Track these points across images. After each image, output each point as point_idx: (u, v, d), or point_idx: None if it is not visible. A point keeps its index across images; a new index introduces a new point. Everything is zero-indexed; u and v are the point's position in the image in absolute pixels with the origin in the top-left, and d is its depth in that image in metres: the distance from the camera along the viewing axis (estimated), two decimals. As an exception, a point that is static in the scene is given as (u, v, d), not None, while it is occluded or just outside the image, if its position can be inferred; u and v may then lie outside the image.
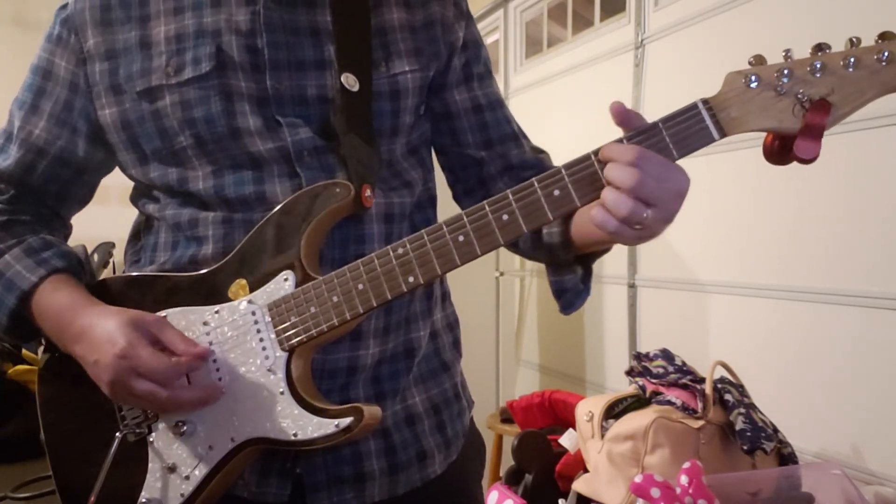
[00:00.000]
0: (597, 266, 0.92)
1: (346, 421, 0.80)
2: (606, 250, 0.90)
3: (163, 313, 0.86)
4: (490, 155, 0.98)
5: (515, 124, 1.02)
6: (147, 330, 0.82)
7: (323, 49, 0.89)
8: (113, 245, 1.97)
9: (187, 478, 0.84)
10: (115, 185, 1.00)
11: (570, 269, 0.90)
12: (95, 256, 3.28)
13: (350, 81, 0.88)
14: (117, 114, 0.90)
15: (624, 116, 0.73)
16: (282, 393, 0.82)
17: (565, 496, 1.84)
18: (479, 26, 3.69)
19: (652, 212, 0.70)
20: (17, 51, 0.95)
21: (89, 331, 0.82)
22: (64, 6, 0.93)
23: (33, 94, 0.93)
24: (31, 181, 0.94)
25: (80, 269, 0.91)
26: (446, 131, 0.99)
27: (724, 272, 2.15)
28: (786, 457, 1.66)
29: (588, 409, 1.77)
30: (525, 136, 1.02)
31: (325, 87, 0.88)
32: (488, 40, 3.74)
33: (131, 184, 0.98)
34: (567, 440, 1.96)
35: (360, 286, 0.80)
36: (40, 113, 0.93)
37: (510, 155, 0.98)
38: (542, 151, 1.02)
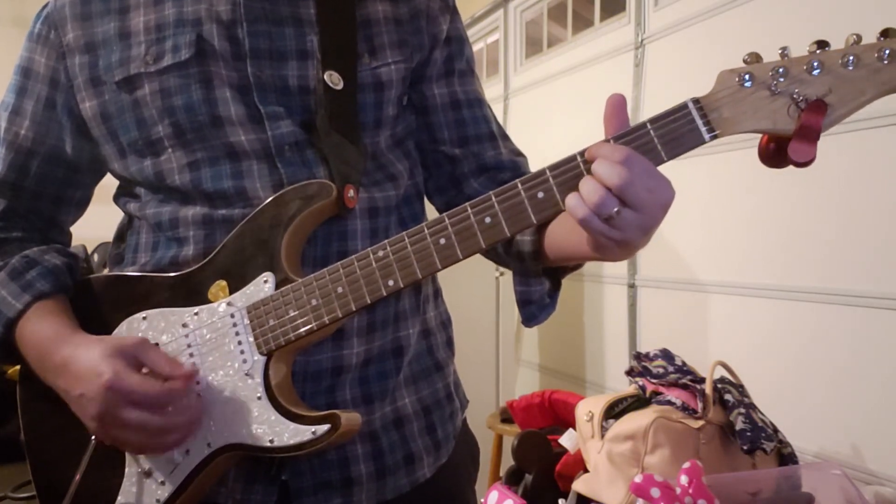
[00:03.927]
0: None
1: (323, 428, 0.78)
2: (578, 266, 0.88)
3: (143, 314, 0.85)
4: (464, 153, 0.96)
5: (495, 124, 0.99)
6: (131, 356, 0.79)
7: (305, 39, 0.87)
8: (113, 245, 1.96)
9: (163, 483, 0.82)
10: (115, 184, 0.98)
11: (538, 281, 0.88)
12: (95, 256, 3.28)
13: (334, 80, 0.86)
14: (97, 106, 0.88)
15: (618, 109, 0.70)
16: (259, 398, 0.80)
17: (565, 496, 1.83)
18: (479, 26, 3.71)
19: (630, 214, 0.67)
20: (17, 51, 0.95)
21: (71, 363, 0.80)
22: (44, 6, 0.92)
23: (16, 95, 0.92)
24: (25, 184, 0.93)
25: (68, 284, 0.89)
26: (422, 126, 0.97)
27: (724, 272, 2.15)
28: (786, 457, 1.66)
29: (588, 409, 1.76)
30: (505, 138, 0.99)
31: (307, 77, 0.87)
32: (488, 40, 3.74)
33: (132, 182, 0.97)
34: (567, 440, 1.96)
35: (340, 289, 0.78)
36: (24, 112, 0.92)
37: (485, 155, 0.96)
38: (520, 154, 0.99)
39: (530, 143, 3.03)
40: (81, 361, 0.79)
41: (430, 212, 0.99)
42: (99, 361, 0.78)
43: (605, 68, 2.70)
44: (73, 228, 1.02)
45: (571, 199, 0.69)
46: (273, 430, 0.79)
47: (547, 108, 3.10)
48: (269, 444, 0.79)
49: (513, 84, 3.39)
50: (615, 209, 0.66)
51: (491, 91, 3.53)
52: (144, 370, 0.80)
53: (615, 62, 2.62)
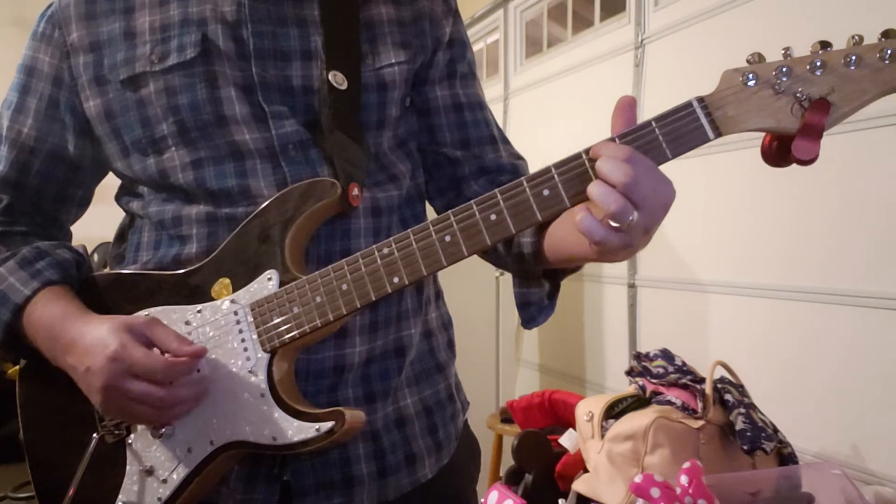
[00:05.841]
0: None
1: (327, 425, 0.78)
2: (577, 268, 0.87)
3: (145, 312, 0.85)
4: (465, 155, 0.96)
5: (496, 127, 1.00)
6: (139, 332, 0.80)
7: (309, 40, 0.88)
8: (113, 245, 1.96)
9: (165, 481, 0.82)
10: (116, 184, 0.99)
11: (537, 283, 0.87)
12: (95, 256, 3.28)
13: (338, 80, 0.87)
14: (101, 104, 0.89)
15: (627, 112, 0.70)
16: (262, 395, 0.80)
17: (565, 496, 1.83)
18: (479, 26, 3.70)
19: (638, 216, 0.66)
20: (17, 51, 0.95)
21: (80, 339, 0.80)
22: (49, 6, 0.93)
23: (19, 93, 0.93)
24: (27, 182, 0.93)
25: (75, 277, 0.89)
26: (424, 128, 0.97)
27: (724, 272, 2.15)
28: (786, 457, 1.66)
29: (588, 409, 1.76)
30: (505, 141, 1.00)
31: (311, 77, 0.87)
32: (488, 40, 3.74)
33: (132, 183, 0.97)
34: (567, 440, 1.96)
35: (344, 286, 0.78)
36: (27, 111, 0.92)
37: (486, 158, 0.97)
38: (520, 158, 1.00)
39: (530, 143, 3.04)
40: (90, 336, 0.80)
41: (431, 215, 0.99)
42: (106, 334, 0.79)
43: (605, 68, 2.70)
44: (73, 228, 1.03)
45: (585, 221, 0.67)
46: (276, 427, 0.79)
47: (547, 108, 3.10)
48: (272, 442, 0.79)
49: (513, 84, 3.39)
50: (632, 217, 0.65)
51: (491, 91, 3.53)
52: (154, 349, 0.80)
53: (615, 62, 2.62)
